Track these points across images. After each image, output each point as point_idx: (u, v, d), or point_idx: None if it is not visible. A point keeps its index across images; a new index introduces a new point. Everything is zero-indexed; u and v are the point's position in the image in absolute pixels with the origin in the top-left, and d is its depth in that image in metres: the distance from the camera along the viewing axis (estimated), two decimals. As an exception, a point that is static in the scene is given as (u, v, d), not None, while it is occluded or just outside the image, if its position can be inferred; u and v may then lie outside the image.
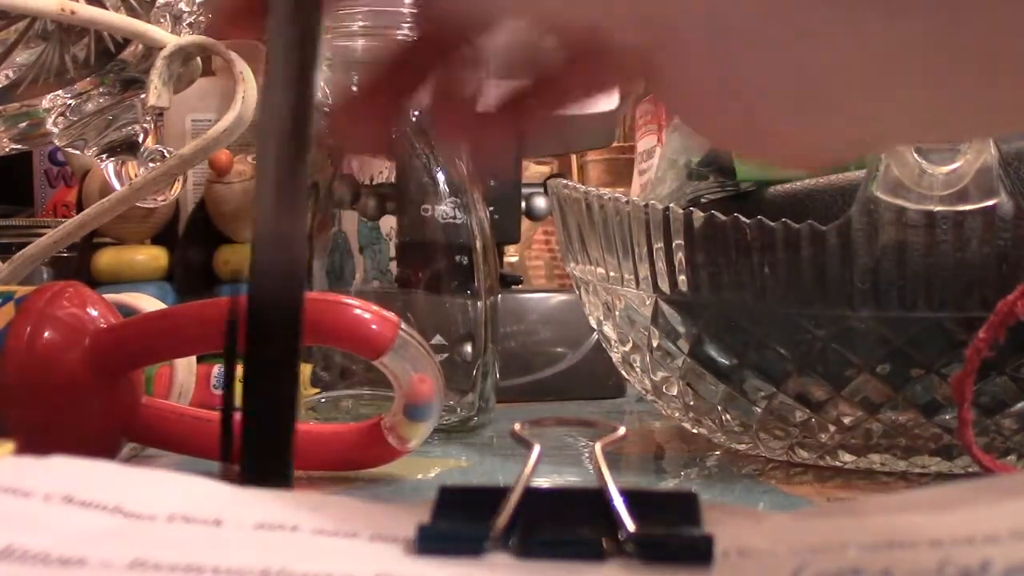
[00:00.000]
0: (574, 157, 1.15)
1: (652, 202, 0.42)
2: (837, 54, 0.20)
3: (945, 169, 0.38)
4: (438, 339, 0.51)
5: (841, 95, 0.21)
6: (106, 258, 0.65)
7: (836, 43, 0.20)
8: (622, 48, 0.22)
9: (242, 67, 0.50)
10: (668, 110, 0.26)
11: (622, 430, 0.28)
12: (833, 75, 0.20)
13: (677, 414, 0.48)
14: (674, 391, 0.46)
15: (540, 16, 0.23)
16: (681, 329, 0.44)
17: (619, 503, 0.21)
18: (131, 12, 0.47)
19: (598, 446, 0.25)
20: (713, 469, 0.45)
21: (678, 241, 0.42)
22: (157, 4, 0.49)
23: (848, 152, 0.24)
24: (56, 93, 0.48)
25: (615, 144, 0.93)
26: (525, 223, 0.77)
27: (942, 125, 0.26)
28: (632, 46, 0.22)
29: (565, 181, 0.49)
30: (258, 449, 0.24)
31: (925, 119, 0.22)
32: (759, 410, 0.43)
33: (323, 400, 0.51)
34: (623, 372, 0.50)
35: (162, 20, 0.49)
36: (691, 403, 0.45)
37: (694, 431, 0.48)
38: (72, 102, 0.49)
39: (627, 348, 0.47)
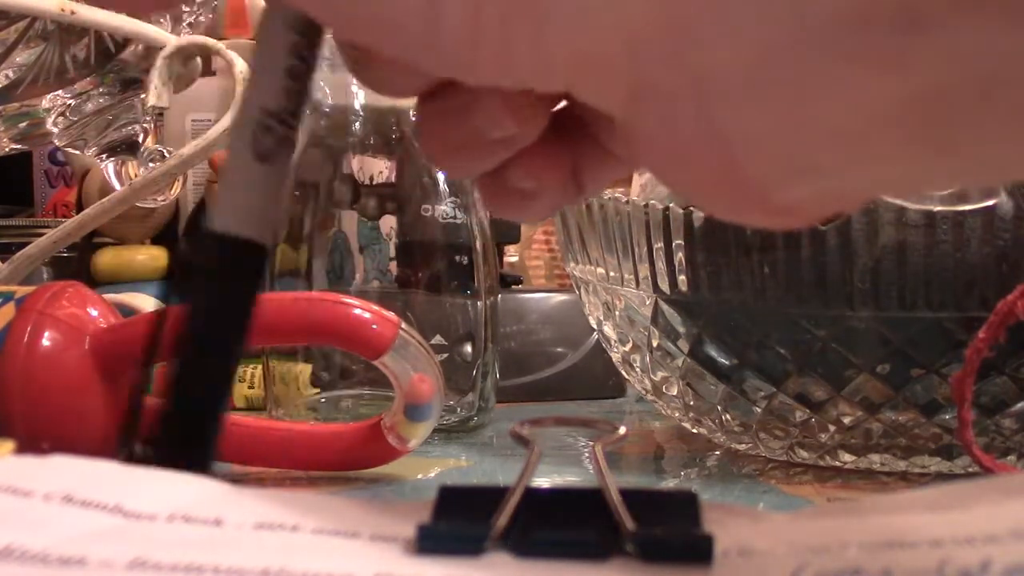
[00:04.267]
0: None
1: (652, 202, 0.42)
2: (827, 111, 0.19)
3: (945, 169, 0.38)
4: (438, 339, 0.51)
5: (831, 153, 0.20)
6: (106, 258, 0.65)
7: (827, 99, 0.19)
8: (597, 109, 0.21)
9: (242, 67, 0.50)
10: (641, 164, 0.24)
11: (622, 430, 0.28)
12: (824, 133, 0.19)
13: (677, 414, 0.48)
14: (674, 391, 0.46)
15: (514, 84, 0.21)
16: (681, 329, 0.44)
17: (619, 503, 0.21)
18: (131, 12, 0.47)
19: (598, 446, 0.25)
20: (713, 469, 0.45)
21: (678, 241, 0.42)
22: (157, 4, 0.49)
23: (831, 209, 0.23)
24: (56, 93, 0.48)
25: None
26: (525, 223, 0.77)
27: (932, 181, 0.25)
28: (608, 106, 0.21)
29: (565, 181, 0.49)
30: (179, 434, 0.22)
31: (915, 176, 0.21)
32: (759, 410, 0.43)
33: (323, 400, 0.51)
34: (623, 372, 0.50)
35: (162, 20, 0.49)
36: (691, 403, 0.45)
37: (694, 431, 0.48)
38: (72, 102, 0.49)
39: (627, 348, 0.47)
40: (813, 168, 0.20)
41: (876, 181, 0.21)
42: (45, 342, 0.36)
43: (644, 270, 0.43)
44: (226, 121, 0.48)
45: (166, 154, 0.50)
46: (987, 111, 0.18)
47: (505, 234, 0.69)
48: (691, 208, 0.41)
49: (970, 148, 0.19)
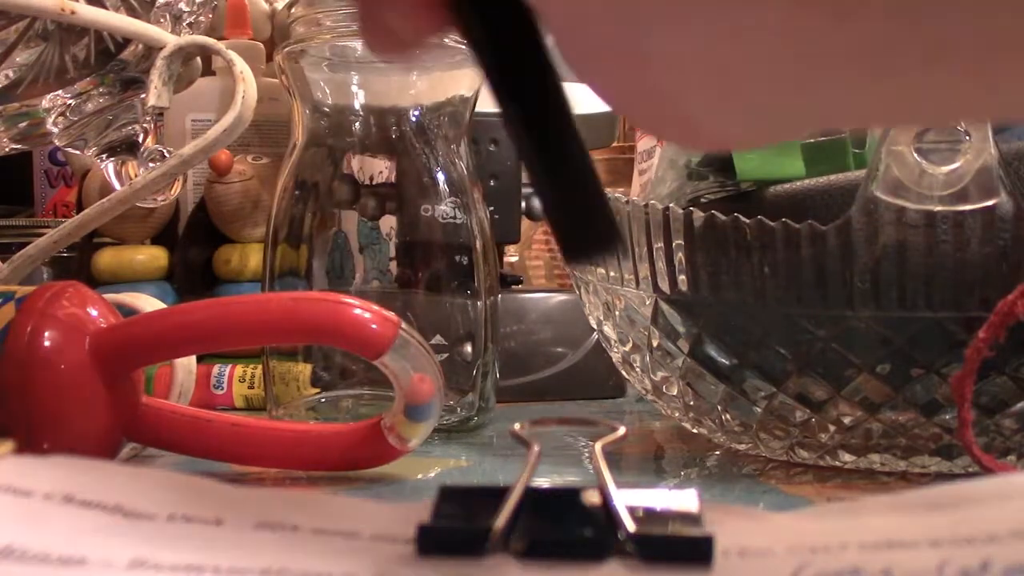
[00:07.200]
0: (574, 157, 1.15)
1: (652, 202, 0.42)
2: (768, 51, 0.18)
3: (945, 169, 0.38)
4: (438, 339, 0.51)
5: (765, 90, 0.19)
6: (106, 258, 0.65)
7: (768, 40, 0.18)
8: None
9: (242, 67, 0.50)
10: (565, 63, 0.22)
11: (622, 430, 0.28)
12: (760, 71, 0.18)
13: (677, 414, 0.48)
14: (674, 391, 0.46)
15: None
16: (681, 329, 0.44)
17: (619, 503, 0.21)
18: (131, 12, 0.47)
19: (598, 446, 0.25)
20: (713, 469, 0.45)
21: (678, 241, 0.42)
22: (157, 4, 0.49)
23: (765, 140, 0.22)
24: (56, 93, 0.48)
25: (615, 144, 0.93)
26: (525, 223, 0.77)
27: (875, 118, 0.24)
28: None
29: (565, 181, 0.49)
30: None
31: (858, 110, 0.20)
32: (759, 410, 0.43)
33: (323, 400, 0.51)
34: (623, 372, 0.50)
35: (162, 20, 0.49)
36: (691, 403, 0.45)
37: (694, 431, 0.48)
38: (72, 102, 0.49)
39: (627, 348, 0.47)
40: (744, 103, 0.19)
41: (817, 117, 0.21)
42: (45, 342, 0.36)
43: (644, 270, 0.43)
44: (226, 121, 0.48)
45: (166, 154, 0.50)
46: (934, 73, 0.17)
47: (505, 234, 0.68)
48: (691, 208, 0.41)
49: (918, 97, 0.18)
